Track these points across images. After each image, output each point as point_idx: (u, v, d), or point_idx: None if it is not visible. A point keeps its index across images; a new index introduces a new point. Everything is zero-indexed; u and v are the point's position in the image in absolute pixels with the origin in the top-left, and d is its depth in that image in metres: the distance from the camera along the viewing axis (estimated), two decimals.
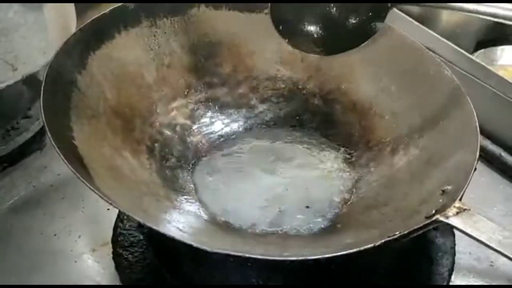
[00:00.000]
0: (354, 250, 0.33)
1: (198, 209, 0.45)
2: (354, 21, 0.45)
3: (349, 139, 0.51)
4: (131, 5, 0.49)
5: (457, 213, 0.34)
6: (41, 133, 0.58)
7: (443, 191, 0.38)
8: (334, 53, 0.48)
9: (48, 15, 0.54)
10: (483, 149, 0.55)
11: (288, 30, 0.46)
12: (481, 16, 0.42)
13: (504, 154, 0.55)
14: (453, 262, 0.44)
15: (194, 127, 0.52)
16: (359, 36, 0.46)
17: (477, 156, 0.39)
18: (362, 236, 0.40)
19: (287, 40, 0.47)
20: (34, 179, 0.54)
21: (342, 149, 0.51)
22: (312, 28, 0.46)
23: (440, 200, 0.37)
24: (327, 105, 0.54)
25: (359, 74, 0.52)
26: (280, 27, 0.46)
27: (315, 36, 0.47)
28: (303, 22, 0.46)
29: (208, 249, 0.32)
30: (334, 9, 0.45)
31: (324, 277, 0.40)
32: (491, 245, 0.33)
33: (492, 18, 0.40)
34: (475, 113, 0.42)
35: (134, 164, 0.44)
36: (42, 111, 0.38)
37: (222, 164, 0.50)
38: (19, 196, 0.52)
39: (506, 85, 0.54)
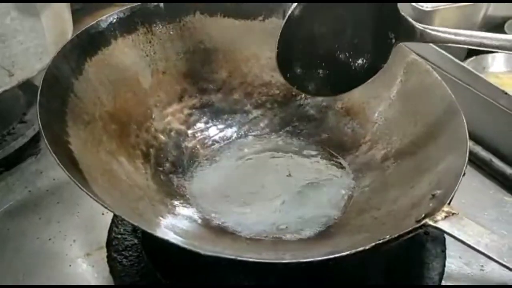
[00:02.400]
0: (345, 253, 0.33)
1: (193, 213, 0.45)
2: (359, 62, 0.44)
3: (342, 144, 0.52)
4: (127, 12, 0.49)
5: (446, 217, 0.35)
6: (36, 138, 0.58)
7: (433, 195, 0.38)
8: (340, 92, 0.48)
9: (45, 21, 0.54)
10: (473, 155, 0.56)
11: (296, 77, 0.45)
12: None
13: (494, 160, 0.56)
14: (444, 266, 0.45)
15: (189, 132, 0.52)
16: (364, 75, 0.45)
17: (466, 160, 0.39)
18: (355, 240, 0.40)
19: (296, 87, 0.46)
20: (30, 183, 0.54)
21: (335, 154, 0.51)
22: (319, 73, 0.45)
23: (430, 204, 0.37)
24: (321, 111, 0.54)
25: None
26: (288, 75, 0.44)
27: (323, 79, 0.45)
28: (311, 68, 0.44)
29: (201, 252, 0.33)
30: (340, 51, 0.44)
31: (317, 279, 0.41)
32: (479, 248, 0.33)
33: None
34: (464, 119, 0.43)
35: (129, 168, 0.44)
36: (39, 116, 0.38)
37: (216, 169, 0.50)
38: (14, 200, 0.52)
39: (496, 91, 0.55)
